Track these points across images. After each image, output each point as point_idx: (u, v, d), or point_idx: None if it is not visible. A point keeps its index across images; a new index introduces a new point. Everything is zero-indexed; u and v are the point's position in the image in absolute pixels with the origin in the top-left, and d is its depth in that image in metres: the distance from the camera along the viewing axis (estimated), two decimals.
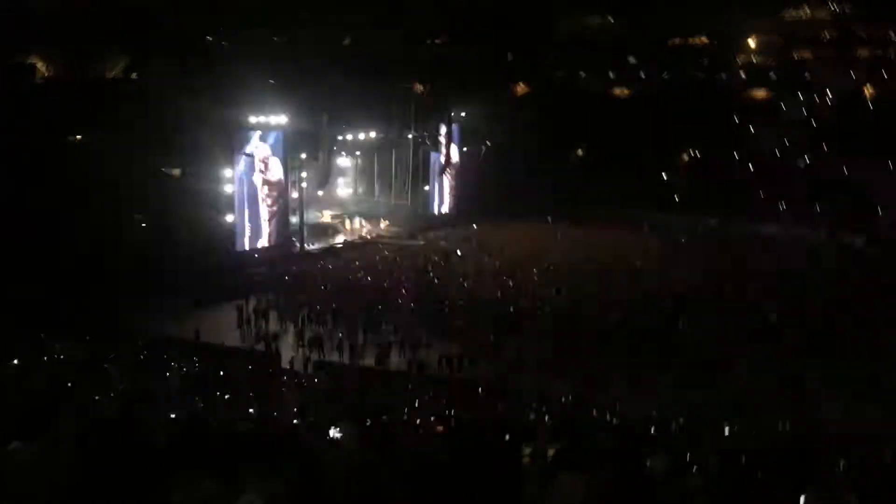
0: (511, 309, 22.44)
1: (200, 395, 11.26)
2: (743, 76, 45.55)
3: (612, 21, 48.78)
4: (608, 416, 12.50)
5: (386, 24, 42.38)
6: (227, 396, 11.23)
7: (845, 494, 4.03)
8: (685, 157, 43.52)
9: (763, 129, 41.51)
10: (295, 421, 7.70)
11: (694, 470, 5.45)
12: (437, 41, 48.94)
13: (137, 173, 25.87)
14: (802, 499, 3.92)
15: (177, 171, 27.23)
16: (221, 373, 14.89)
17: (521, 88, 47.68)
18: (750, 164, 40.49)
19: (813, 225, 35.06)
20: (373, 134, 35.77)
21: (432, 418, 9.64)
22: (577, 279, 26.58)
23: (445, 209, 40.02)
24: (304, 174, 31.53)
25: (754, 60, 46.39)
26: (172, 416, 7.74)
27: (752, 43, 46.91)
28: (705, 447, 7.98)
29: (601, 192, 38.84)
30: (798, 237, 33.94)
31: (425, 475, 4.40)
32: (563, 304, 23.12)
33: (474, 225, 37.90)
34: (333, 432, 4.69)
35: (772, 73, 44.48)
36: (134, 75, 31.35)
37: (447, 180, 39.90)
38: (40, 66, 28.68)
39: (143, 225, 26.31)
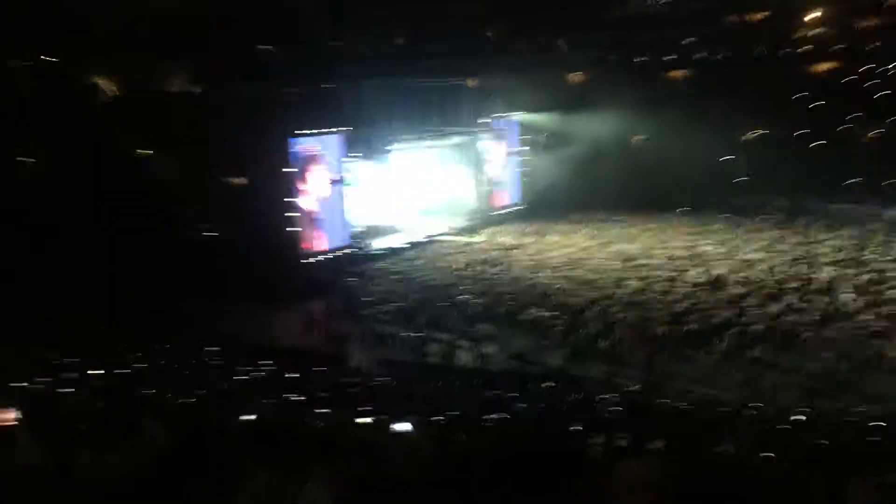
0: (577, 300, 22.34)
1: (270, 397, 11.53)
2: (804, 50, 43.94)
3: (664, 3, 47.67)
4: (677, 404, 12.36)
5: (436, 20, 42.37)
6: (295, 398, 11.48)
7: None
8: (749, 137, 42.36)
9: (827, 103, 40.04)
10: (361, 420, 7.84)
11: (763, 456, 5.36)
12: (489, 34, 48.71)
13: (201, 182, 26.69)
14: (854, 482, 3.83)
15: (239, 180, 27.88)
16: (290, 374, 15.22)
17: (577, 77, 47.09)
18: (816, 141, 39.12)
19: (885, 201, 33.62)
20: (429, 131, 35.89)
21: (495, 413, 9.68)
22: (647, 269, 26.13)
23: (507, 205, 39.85)
24: (362, 175, 31.87)
25: (815, 33, 44.76)
26: (244, 417, 7.96)
27: (812, 16, 45.31)
28: (776, 434, 7.83)
29: (666, 182, 37.99)
30: (871, 213, 32.69)
31: (486, 469, 4.44)
32: (630, 294, 22.86)
33: (535, 221, 37.60)
34: (398, 428, 4.77)
35: (835, 46, 42.79)
36: (193, 88, 32.23)
37: (507, 176, 39.76)
38: (105, 83, 29.76)
39: (210, 233, 27.04)
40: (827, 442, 8.47)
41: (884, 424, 9.63)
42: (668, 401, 13.34)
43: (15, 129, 26.34)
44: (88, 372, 13.75)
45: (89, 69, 30.01)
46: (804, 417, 10.81)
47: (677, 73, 45.52)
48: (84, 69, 30.06)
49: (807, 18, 45.19)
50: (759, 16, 46.08)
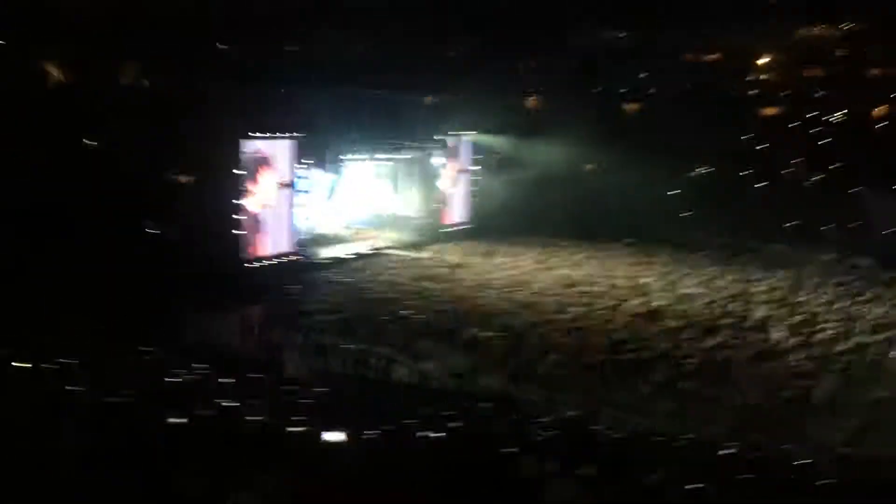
0: (518, 322, 22.42)
1: (202, 400, 11.26)
2: (754, 93, 45.38)
3: (624, 36, 48.70)
4: (610, 432, 12.47)
5: (397, 34, 42.47)
6: (228, 402, 11.23)
7: None
8: (694, 174, 43.35)
9: (773, 146, 41.31)
10: (293, 428, 7.70)
11: (687, 486, 5.42)
12: (449, 53, 48.98)
13: (147, 180, 26.10)
14: None
15: (186, 178, 27.38)
16: (224, 379, 14.89)
17: (533, 102, 47.65)
18: (759, 182, 40.28)
19: (821, 245, 34.65)
20: (383, 145, 35.84)
21: (431, 430, 9.61)
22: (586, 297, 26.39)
23: (456, 223, 39.96)
24: (312, 183, 31.60)
25: (766, 77, 46.31)
26: (175, 419, 7.74)
27: (763, 60, 46.83)
28: (702, 466, 7.96)
29: (613, 212, 38.55)
30: (807, 256, 33.62)
31: (420, 484, 4.39)
32: (570, 320, 23.05)
33: (483, 241, 37.74)
34: (328, 437, 4.69)
35: (784, 92, 44.31)
36: (145, 82, 31.60)
37: (457, 194, 39.88)
38: (54, 70, 28.96)
39: (153, 231, 26.44)
40: (752, 476, 8.63)
41: (809, 461, 9.86)
42: (602, 427, 13.46)
43: None
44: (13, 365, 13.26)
45: (35, 63, 29.19)
46: (731, 451, 11.03)
47: (631, 106, 46.45)
48: (30, 63, 29.21)
49: (759, 63, 46.76)
50: (713, 57, 47.51)
